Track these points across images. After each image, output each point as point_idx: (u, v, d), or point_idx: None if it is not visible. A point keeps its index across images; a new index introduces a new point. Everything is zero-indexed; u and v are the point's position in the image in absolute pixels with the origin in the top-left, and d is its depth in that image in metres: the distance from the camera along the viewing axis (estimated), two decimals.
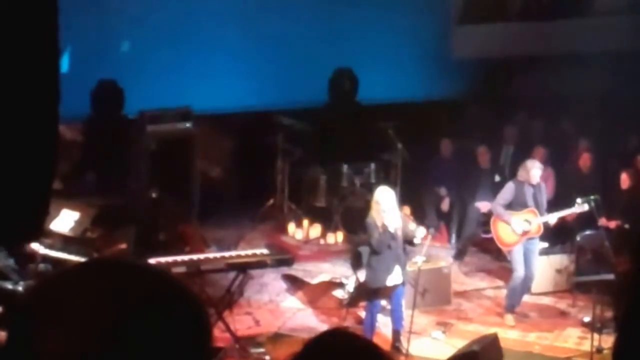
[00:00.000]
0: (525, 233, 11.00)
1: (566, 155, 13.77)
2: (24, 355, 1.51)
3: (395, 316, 10.17)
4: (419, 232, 10.19)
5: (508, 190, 11.15)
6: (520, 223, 10.99)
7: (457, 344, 10.09)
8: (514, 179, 11.28)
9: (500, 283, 12.12)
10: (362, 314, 10.54)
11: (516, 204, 11.07)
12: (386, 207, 9.88)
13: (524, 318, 11.23)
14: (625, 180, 12.18)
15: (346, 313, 10.86)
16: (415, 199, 13.87)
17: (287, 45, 14.57)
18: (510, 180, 11.45)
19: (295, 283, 11.98)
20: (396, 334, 10.19)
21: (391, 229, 9.85)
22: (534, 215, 11.00)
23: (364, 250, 10.46)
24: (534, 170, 11.02)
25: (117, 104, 13.39)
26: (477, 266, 12.91)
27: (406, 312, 10.19)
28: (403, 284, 10.09)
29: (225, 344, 9.62)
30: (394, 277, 9.94)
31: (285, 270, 11.69)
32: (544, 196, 11.24)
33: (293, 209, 14.07)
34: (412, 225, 10.28)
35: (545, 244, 11.70)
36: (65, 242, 10.14)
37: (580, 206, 11.13)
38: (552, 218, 11.15)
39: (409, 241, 10.17)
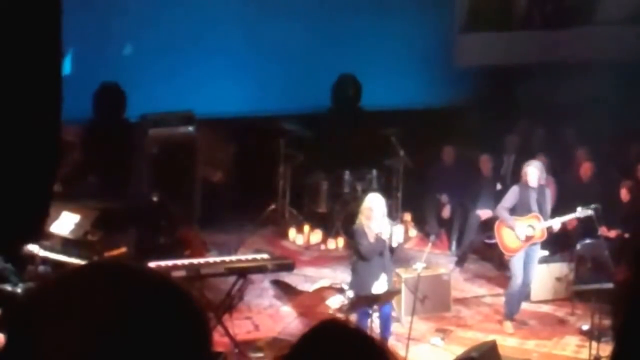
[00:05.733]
0: (529, 238, 10.98)
1: (567, 163, 13.76)
2: (23, 358, 1.52)
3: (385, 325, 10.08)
4: (396, 231, 9.95)
5: (512, 194, 11.10)
6: (524, 228, 10.97)
7: (456, 350, 10.08)
8: (519, 182, 11.24)
9: (499, 290, 12.10)
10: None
11: (520, 208, 11.03)
12: (378, 214, 9.86)
13: (523, 325, 11.22)
14: (625, 195, 12.21)
15: (346, 319, 10.85)
16: (416, 206, 13.89)
17: (291, 50, 14.57)
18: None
19: (294, 290, 11.95)
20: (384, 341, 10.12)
21: (383, 236, 9.82)
22: (537, 220, 10.96)
23: None
24: (529, 167, 10.95)
25: (119, 107, 13.39)
26: (477, 273, 12.90)
27: (405, 319, 10.14)
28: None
29: (225, 349, 9.62)
30: (380, 285, 9.91)
31: (285, 275, 11.68)
32: (548, 201, 11.15)
33: (294, 214, 14.06)
34: (397, 228, 10.10)
35: (546, 252, 11.69)
36: (66, 244, 10.13)
37: (583, 211, 11.05)
38: (556, 223, 11.09)
39: (390, 249, 10.08)
